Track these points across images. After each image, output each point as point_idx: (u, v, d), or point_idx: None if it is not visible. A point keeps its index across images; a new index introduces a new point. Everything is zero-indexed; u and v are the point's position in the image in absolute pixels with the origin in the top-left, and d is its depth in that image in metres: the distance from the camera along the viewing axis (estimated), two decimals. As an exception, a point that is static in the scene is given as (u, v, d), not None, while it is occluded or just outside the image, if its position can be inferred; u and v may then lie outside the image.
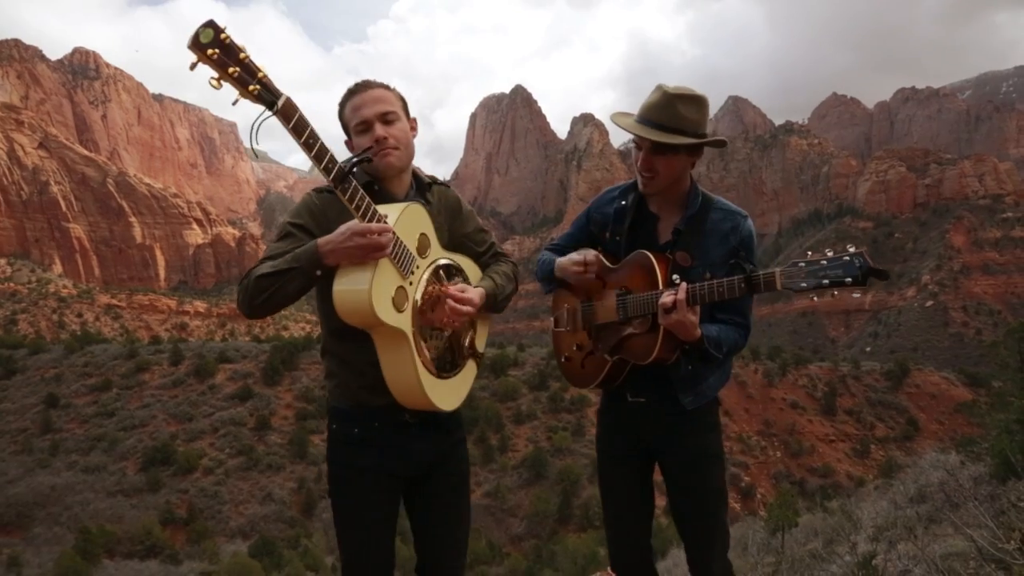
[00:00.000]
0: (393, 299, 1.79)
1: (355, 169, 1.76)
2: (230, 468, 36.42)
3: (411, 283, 1.85)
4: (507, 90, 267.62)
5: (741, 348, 2.20)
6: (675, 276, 2.04)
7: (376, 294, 1.74)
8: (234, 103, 1.62)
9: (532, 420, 41.78)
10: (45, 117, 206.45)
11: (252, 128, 1.65)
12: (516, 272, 2.24)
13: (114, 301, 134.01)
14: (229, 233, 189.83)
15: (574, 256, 2.21)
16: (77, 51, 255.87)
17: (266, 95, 1.60)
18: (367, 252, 1.73)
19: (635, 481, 2.25)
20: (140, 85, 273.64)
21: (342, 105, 2.02)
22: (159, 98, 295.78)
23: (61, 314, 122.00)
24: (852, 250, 1.84)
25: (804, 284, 1.87)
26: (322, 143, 1.67)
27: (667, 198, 2.19)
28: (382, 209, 1.82)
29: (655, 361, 2.08)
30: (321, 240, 1.78)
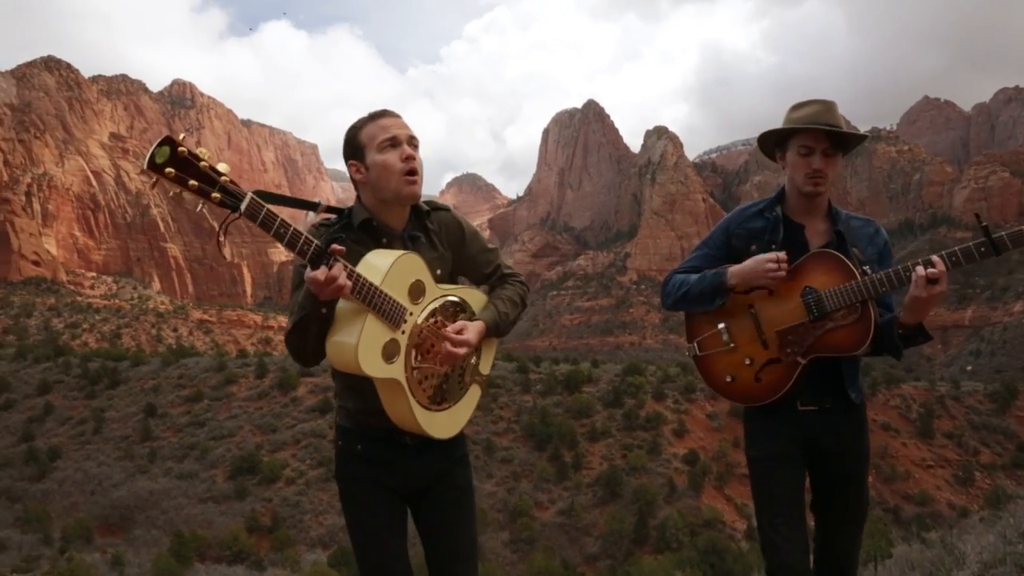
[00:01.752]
0: (383, 351, 1.85)
1: (335, 243, 1.77)
2: (311, 479, 37.58)
3: (403, 331, 1.89)
4: (579, 105, 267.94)
5: None
6: (866, 267, 2.19)
7: (363, 351, 1.81)
8: (198, 210, 1.66)
9: (607, 437, 41.16)
10: (147, 145, 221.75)
11: (219, 230, 1.70)
12: (524, 294, 2.23)
13: (205, 316, 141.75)
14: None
15: (763, 256, 2.22)
16: (176, 83, 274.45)
17: (229, 201, 1.62)
18: (330, 294, 1.77)
19: (800, 485, 2.31)
20: (230, 112, 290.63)
21: (358, 128, 2.03)
22: (247, 123, 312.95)
23: (159, 329, 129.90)
24: None
25: None
26: (294, 230, 1.71)
27: (810, 209, 2.32)
28: (370, 266, 1.86)
29: (863, 352, 2.18)
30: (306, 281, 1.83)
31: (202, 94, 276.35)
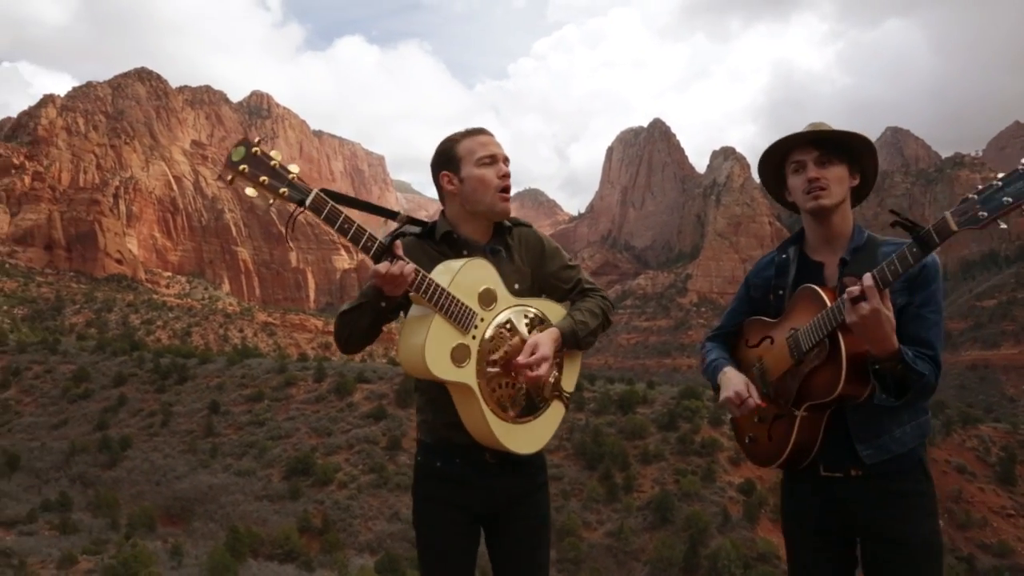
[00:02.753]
0: (452, 355, 1.86)
1: (398, 240, 1.85)
2: (362, 484, 38.14)
3: (474, 337, 1.90)
4: (645, 123, 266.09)
5: (933, 388, 1.86)
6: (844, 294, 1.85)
7: (429, 351, 1.83)
8: (268, 206, 1.79)
9: (659, 461, 40.29)
10: (225, 152, 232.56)
11: (287, 224, 1.83)
12: (605, 306, 2.22)
13: (270, 319, 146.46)
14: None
15: (730, 395, 2.06)
16: (254, 94, 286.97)
17: (295, 195, 1.73)
18: (392, 288, 1.82)
19: (834, 569, 2.03)
20: (303, 123, 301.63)
21: (456, 141, 2.08)
22: (318, 134, 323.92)
23: (226, 329, 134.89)
24: None
25: (984, 213, 1.59)
26: (357, 226, 1.77)
27: (830, 238, 2.06)
28: (440, 272, 1.90)
29: (843, 395, 1.84)
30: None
31: (278, 105, 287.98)
